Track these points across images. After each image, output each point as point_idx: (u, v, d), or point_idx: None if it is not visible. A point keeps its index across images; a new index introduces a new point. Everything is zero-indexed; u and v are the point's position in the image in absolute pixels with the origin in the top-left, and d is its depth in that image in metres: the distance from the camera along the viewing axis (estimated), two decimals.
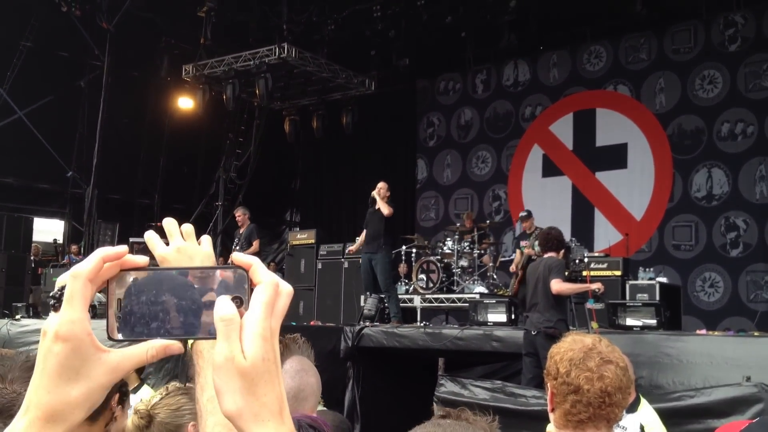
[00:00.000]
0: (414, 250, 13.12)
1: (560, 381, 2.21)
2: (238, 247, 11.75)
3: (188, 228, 1.32)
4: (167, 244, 1.29)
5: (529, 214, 11.02)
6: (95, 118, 15.81)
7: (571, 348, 2.23)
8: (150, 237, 1.23)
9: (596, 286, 7.35)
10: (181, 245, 1.28)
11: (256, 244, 11.81)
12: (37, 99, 15.42)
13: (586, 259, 9.61)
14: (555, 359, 2.26)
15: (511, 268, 11.03)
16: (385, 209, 10.55)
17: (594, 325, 7.56)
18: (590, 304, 7.70)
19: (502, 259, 13.06)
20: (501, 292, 11.07)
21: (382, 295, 10.83)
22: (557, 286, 7.15)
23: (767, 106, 13.35)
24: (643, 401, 4.64)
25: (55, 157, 15.88)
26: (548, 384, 2.28)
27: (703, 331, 8.66)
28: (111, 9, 15.21)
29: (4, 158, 15.18)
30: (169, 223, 1.30)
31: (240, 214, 12.05)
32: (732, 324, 12.21)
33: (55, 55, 15.76)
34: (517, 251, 11.06)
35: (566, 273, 7.69)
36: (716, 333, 8.73)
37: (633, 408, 4.47)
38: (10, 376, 1.32)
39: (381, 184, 10.83)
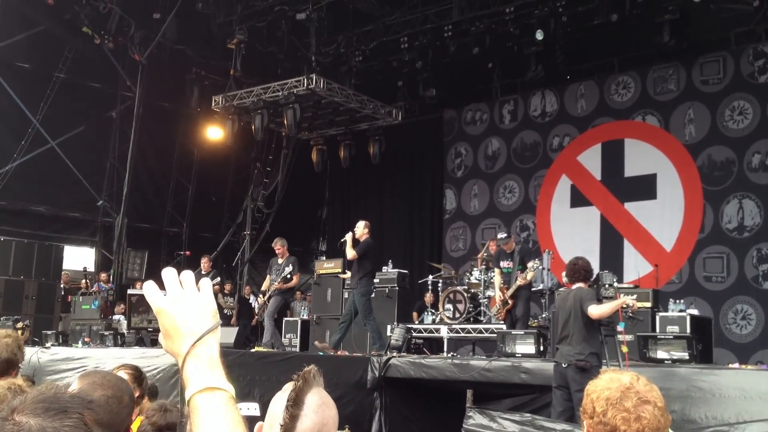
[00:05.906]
0: (440, 280, 13.13)
1: (596, 420, 2.19)
2: (278, 279, 11.41)
3: (186, 276, 1.40)
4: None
5: (509, 235, 11.18)
6: (126, 148, 16.08)
7: (608, 387, 2.21)
8: (147, 290, 1.38)
9: (630, 299, 7.22)
10: (177, 296, 1.37)
11: (296, 278, 11.66)
12: (69, 129, 15.67)
13: (615, 283, 9.47)
14: (591, 397, 2.24)
15: (499, 295, 10.93)
16: (349, 253, 10.65)
17: (624, 348, 7.33)
18: (620, 327, 7.45)
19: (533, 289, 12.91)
20: (532, 324, 10.93)
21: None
22: (596, 311, 6.93)
23: None
24: None
25: (86, 186, 16.09)
26: (584, 422, 2.26)
27: (736, 365, 8.52)
28: (143, 41, 15.49)
29: (36, 187, 15.42)
30: (166, 274, 1.40)
31: (279, 246, 11.83)
32: (765, 357, 11.99)
33: (87, 86, 16.05)
34: (497, 270, 11.09)
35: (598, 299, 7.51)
36: (749, 367, 8.58)
37: None
38: (20, 407, 1.32)
39: (359, 224, 10.90)
